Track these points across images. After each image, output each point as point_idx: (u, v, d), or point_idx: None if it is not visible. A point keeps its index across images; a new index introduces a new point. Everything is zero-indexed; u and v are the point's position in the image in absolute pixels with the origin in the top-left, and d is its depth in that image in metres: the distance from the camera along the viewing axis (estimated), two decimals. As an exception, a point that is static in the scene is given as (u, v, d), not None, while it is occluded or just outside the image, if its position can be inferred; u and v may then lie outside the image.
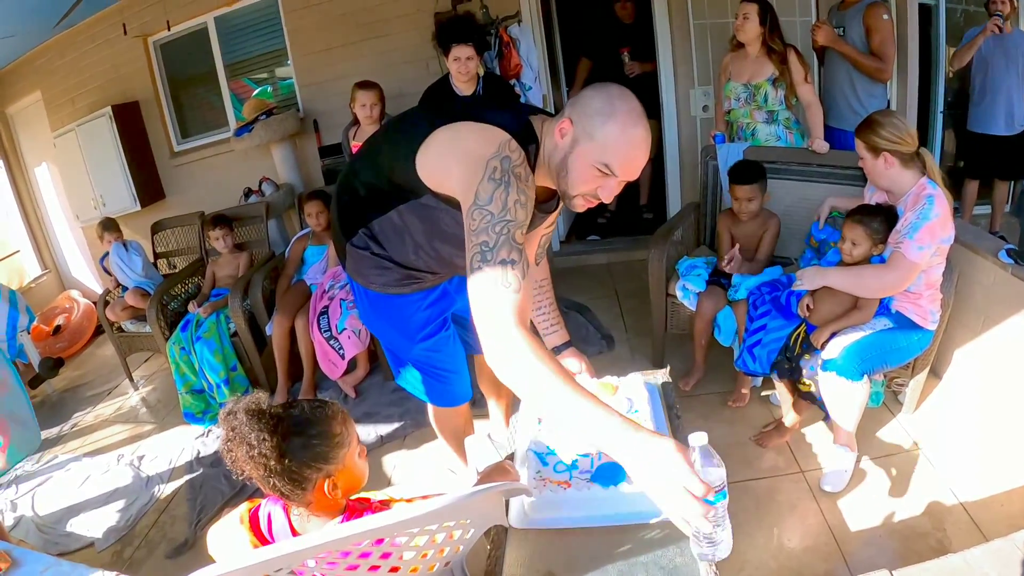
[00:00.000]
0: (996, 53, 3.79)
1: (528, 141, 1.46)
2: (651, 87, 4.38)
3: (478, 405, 2.49)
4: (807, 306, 2.50)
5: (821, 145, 3.11)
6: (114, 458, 3.51)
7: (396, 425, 3.06)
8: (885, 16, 3.30)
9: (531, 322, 1.39)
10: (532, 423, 1.78)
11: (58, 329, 5.67)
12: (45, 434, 4.10)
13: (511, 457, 1.78)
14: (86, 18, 5.01)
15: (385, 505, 1.37)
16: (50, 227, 6.52)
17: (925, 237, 2.21)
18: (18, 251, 6.39)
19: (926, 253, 2.23)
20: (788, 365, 2.56)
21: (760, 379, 3.02)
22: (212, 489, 2.95)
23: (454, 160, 1.41)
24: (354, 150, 3.59)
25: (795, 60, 3.18)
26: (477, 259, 1.29)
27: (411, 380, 2.05)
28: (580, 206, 1.51)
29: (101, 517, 3.00)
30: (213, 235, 3.87)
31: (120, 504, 3.06)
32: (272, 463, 1.19)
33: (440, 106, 1.63)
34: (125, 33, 4.63)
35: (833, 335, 2.40)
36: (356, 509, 1.33)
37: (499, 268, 1.28)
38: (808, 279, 2.43)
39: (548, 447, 1.68)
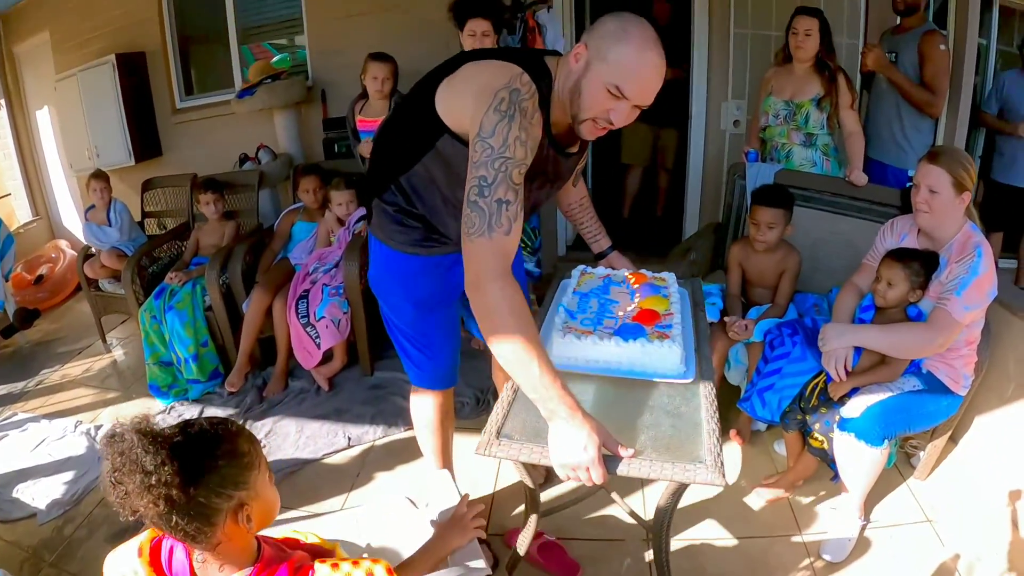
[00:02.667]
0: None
1: (541, 76, 1.46)
2: (680, 94, 4.14)
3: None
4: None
5: (860, 177, 2.87)
6: (72, 424, 3.36)
7: (367, 427, 2.85)
8: (942, 46, 3.07)
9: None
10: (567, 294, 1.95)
11: (40, 279, 5.52)
12: (10, 388, 4.00)
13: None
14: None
15: (315, 552, 1.12)
16: (46, 173, 6.36)
17: (974, 295, 1.98)
18: (9, 194, 6.24)
19: (974, 313, 2.00)
20: (800, 416, 2.33)
21: (766, 425, 2.79)
22: (164, 473, 2.75)
23: (470, 92, 1.42)
24: (359, 125, 3.37)
25: (844, 83, 2.96)
26: (474, 193, 1.33)
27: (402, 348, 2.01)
28: (589, 131, 1.50)
29: (48, 487, 2.86)
30: (203, 199, 3.67)
31: (69, 476, 2.91)
32: (175, 493, 0.94)
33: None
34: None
35: (855, 390, 2.16)
36: (272, 559, 1.08)
37: (494, 207, 1.32)
38: (835, 339, 2.17)
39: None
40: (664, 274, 2.05)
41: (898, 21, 3.28)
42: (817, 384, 2.29)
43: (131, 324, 4.48)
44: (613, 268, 2.13)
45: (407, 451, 2.68)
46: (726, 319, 2.63)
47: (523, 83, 1.40)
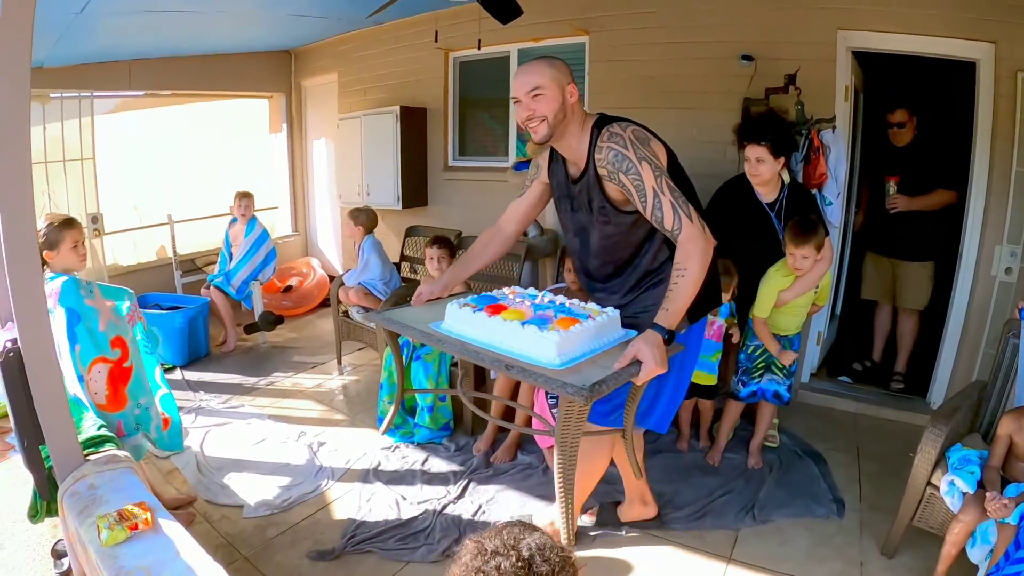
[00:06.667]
0: None
1: None
2: (919, 227, 3.83)
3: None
4: None
5: None
6: (295, 432, 3.56)
7: (587, 521, 2.76)
8: None
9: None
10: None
11: (289, 288, 6.07)
12: (242, 380, 4.35)
13: None
14: (397, 19, 5.30)
15: None
16: (311, 196, 7.03)
17: None
18: (277, 207, 6.97)
19: None
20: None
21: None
22: (379, 509, 2.85)
23: None
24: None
25: None
26: None
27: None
28: (533, 136, 2.16)
29: (261, 485, 3.02)
30: (429, 253, 3.65)
31: (284, 481, 3.06)
32: None
33: None
34: (436, 40, 4.79)
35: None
36: None
37: None
38: None
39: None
40: (609, 309, 2.12)
41: None
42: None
43: (366, 354, 4.80)
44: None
45: (624, 551, 2.62)
46: (986, 493, 2.37)
47: None
